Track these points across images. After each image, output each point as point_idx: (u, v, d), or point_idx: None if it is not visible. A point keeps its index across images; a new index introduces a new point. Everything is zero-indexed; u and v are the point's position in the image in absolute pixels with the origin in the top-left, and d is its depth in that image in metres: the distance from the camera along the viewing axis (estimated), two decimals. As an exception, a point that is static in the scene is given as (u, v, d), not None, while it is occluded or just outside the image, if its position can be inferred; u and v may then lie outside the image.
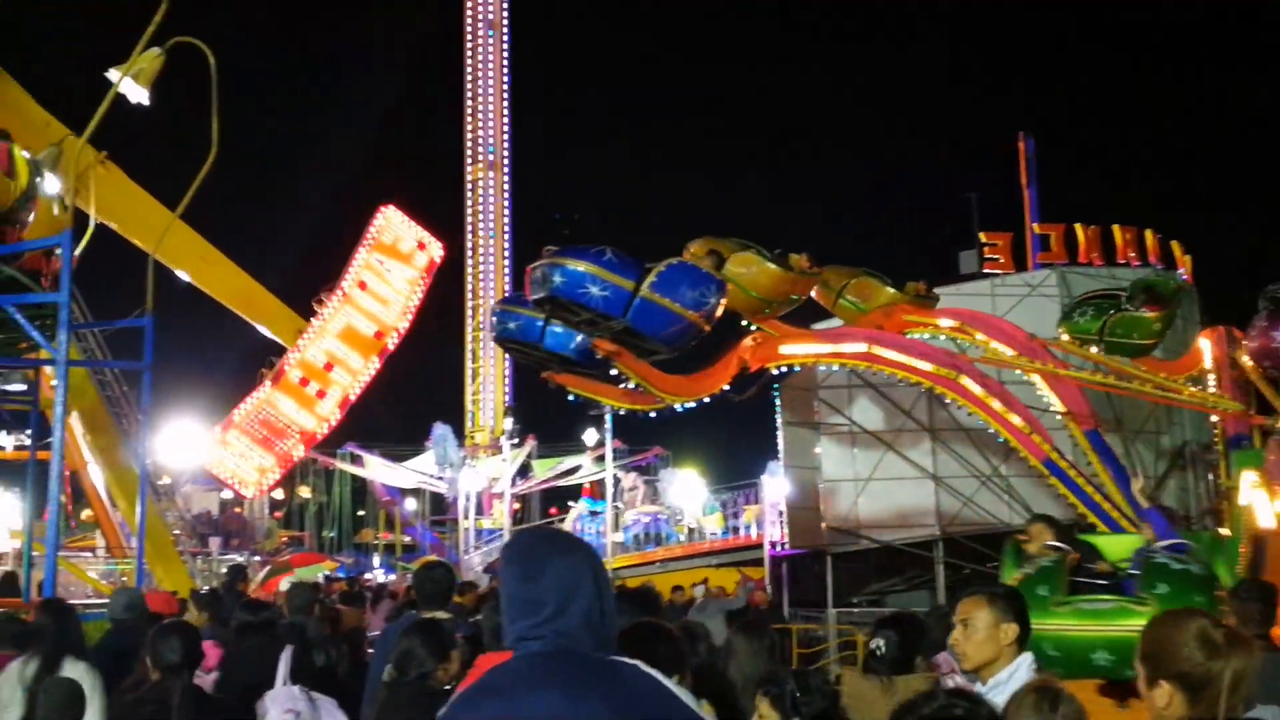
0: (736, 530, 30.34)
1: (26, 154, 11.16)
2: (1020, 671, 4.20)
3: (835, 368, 18.32)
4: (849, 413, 22.31)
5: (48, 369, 16.31)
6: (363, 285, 34.10)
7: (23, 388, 21.99)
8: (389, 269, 35.02)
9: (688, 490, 39.09)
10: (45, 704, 5.57)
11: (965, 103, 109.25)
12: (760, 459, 29.45)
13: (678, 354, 13.03)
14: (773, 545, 24.91)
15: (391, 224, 35.68)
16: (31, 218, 10.81)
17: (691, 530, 35.26)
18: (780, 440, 22.58)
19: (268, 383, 32.93)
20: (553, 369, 13.71)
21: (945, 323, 15.17)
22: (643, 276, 11.84)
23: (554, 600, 2.77)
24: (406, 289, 35.46)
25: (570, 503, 48.28)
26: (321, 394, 33.02)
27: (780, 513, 24.50)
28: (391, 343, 34.42)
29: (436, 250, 37.03)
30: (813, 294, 14.80)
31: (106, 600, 12.94)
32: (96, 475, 29.46)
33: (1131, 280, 16.58)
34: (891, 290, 15.25)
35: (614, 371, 13.24)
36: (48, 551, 10.45)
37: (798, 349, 14.46)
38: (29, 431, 19.18)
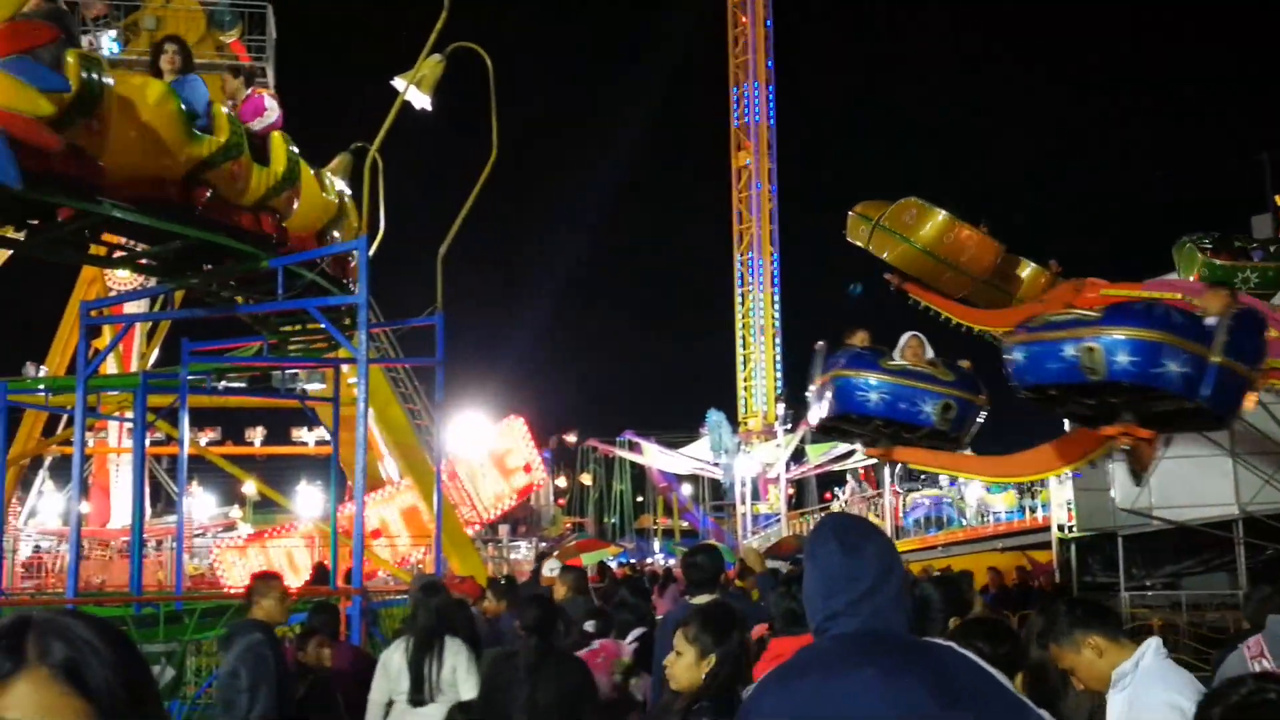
0: (1033, 510, 29.19)
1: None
2: None
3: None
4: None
5: (345, 367, 17.22)
6: (453, 476, 32.12)
7: (322, 386, 23.31)
8: (485, 474, 33.73)
9: (969, 472, 37.97)
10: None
11: (1258, 55, 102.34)
12: (1048, 438, 28.29)
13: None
14: (1060, 528, 23.94)
15: (512, 433, 34.67)
16: (295, 205, 11.20)
17: (977, 513, 34.23)
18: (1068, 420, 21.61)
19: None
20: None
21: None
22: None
23: (871, 577, 2.73)
24: (490, 500, 33.83)
25: (838, 489, 47.76)
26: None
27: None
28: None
29: (539, 475, 35.80)
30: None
31: (405, 587, 13.64)
32: (392, 467, 31.01)
33: None
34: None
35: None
36: (354, 540, 11.01)
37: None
38: (329, 428, 20.27)
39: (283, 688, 6.57)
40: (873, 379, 11.35)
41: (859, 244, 15.27)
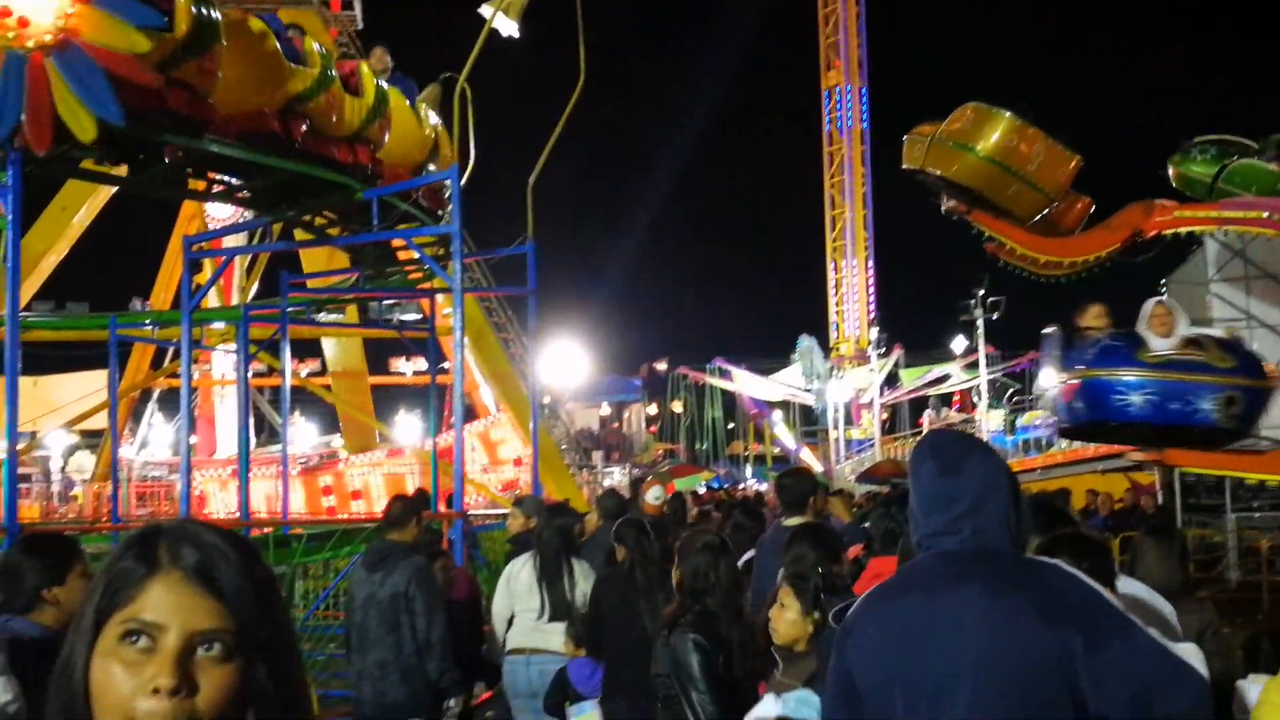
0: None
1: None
2: None
3: (1233, 259, 16.96)
4: (1246, 307, 20.58)
5: (440, 298, 17.41)
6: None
7: (418, 317, 23.61)
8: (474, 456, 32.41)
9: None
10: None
11: None
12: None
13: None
14: (1164, 449, 23.50)
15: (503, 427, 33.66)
16: (386, 137, 11.29)
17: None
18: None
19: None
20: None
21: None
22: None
23: (971, 496, 2.70)
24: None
25: (929, 411, 47.36)
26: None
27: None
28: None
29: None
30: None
31: (502, 511, 13.85)
32: (487, 396, 31.40)
33: None
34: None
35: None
36: (455, 466, 11.23)
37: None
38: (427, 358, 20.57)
39: None
40: (1132, 376, 9.55)
41: (917, 168, 13.62)
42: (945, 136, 13.18)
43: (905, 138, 13.96)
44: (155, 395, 37.82)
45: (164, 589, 1.40)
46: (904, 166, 14.03)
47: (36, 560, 3.78)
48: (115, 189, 21.04)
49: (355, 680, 6.72)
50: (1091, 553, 3.71)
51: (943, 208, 13.26)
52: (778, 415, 53.69)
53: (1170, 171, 13.91)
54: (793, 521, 6.68)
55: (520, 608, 7.06)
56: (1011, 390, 42.01)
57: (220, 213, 26.72)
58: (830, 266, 60.80)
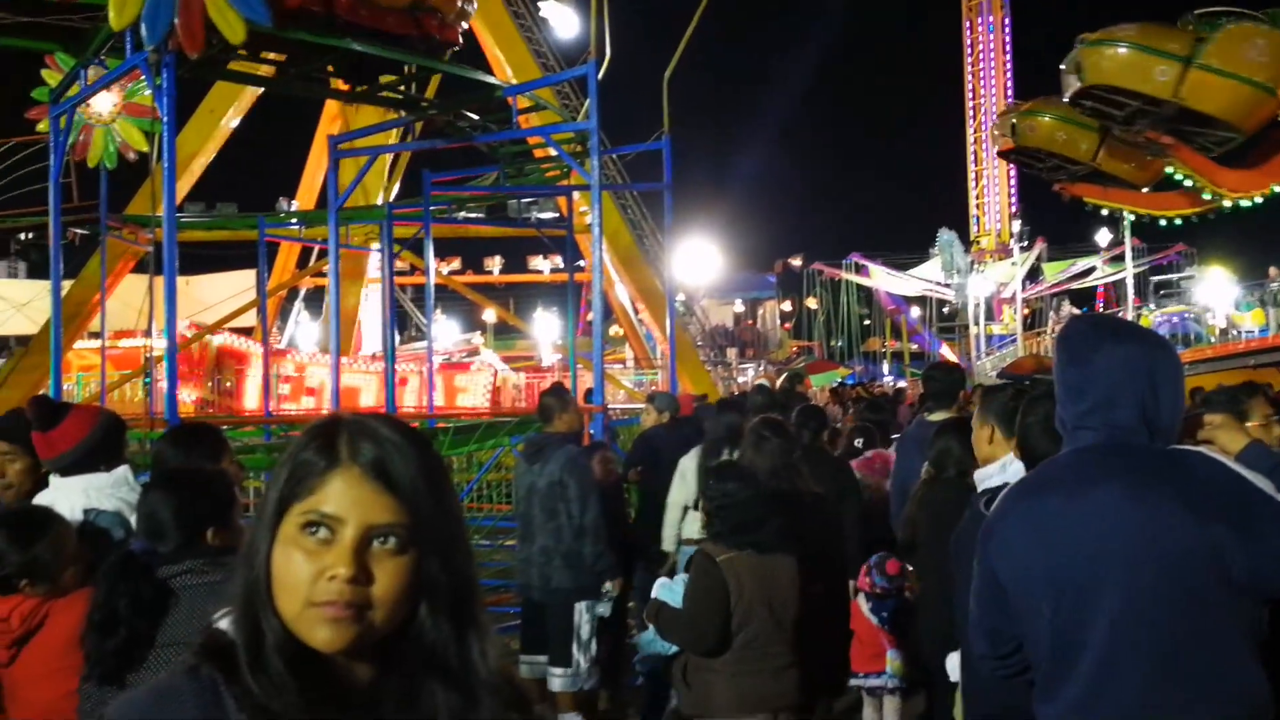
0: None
1: None
2: None
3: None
4: None
5: (576, 196, 17.51)
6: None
7: (554, 216, 23.78)
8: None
9: (1216, 288, 36.24)
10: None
11: None
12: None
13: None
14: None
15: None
16: (473, 6, 11.10)
17: (1224, 330, 32.72)
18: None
19: None
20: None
21: None
22: None
23: (1100, 389, 2.61)
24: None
25: (1050, 313, 46.22)
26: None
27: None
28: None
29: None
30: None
31: (639, 406, 14.02)
32: (623, 293, 31.60)
33: None
34: None
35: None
36: (594, 362, 11.36)
37: None
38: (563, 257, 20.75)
39: None
40: None
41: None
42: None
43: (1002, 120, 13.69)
44: (301, 294, 38.89)
45: (343, 483, 1.45)
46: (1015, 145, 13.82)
47: (185, 450, 3.96)
48: (261, 90, 21.51)
49: (522, 566, 6.95)
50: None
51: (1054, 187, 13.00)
52: (916, 311, 53.03)
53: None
54: (938, 416, 6.65)
55: (692, 497, 7.28)
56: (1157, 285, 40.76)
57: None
58: (970, 158, 59.31)
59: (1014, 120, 18.82)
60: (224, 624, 1.48)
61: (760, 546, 4.66)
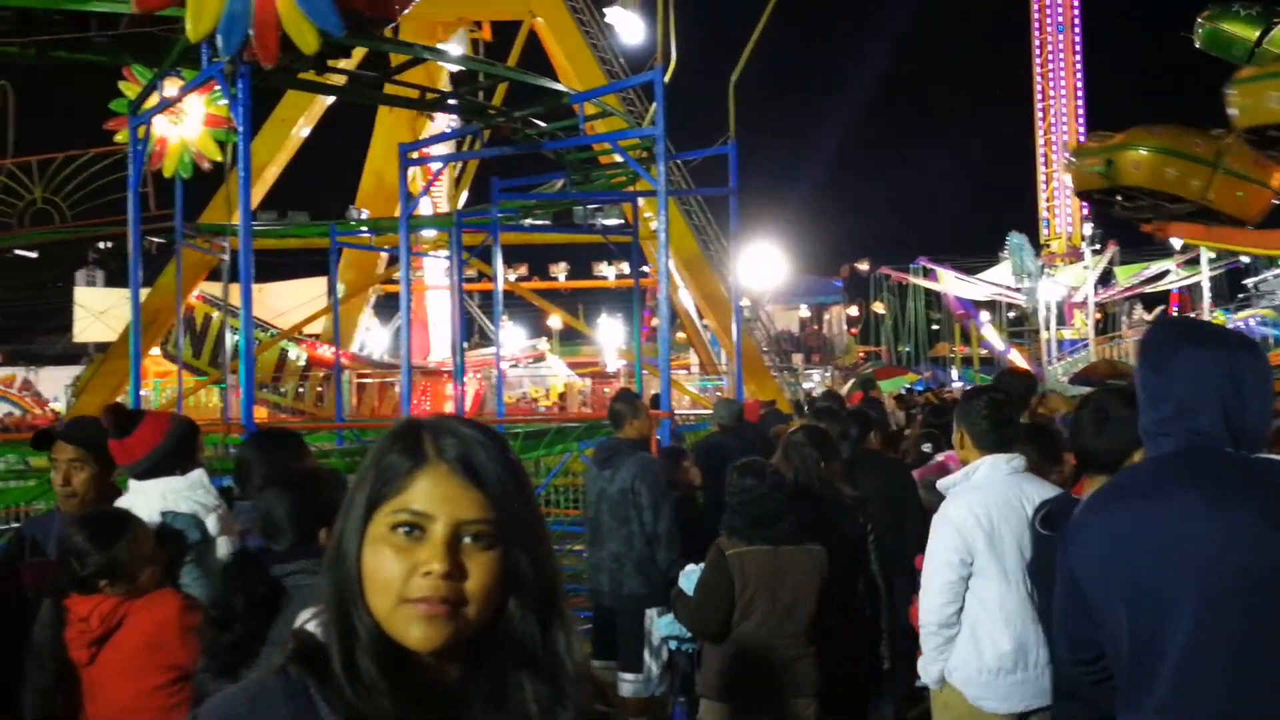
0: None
1: None
2: None
3: None
4: None
5: (641, 201, 17.55)
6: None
7: (619, 222, 23.87)
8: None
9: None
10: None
11: None
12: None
13: None
14: None
15: None
16: None
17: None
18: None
19: None
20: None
21: None
22: None
23: (1180, 394, 2.55)
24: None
25: (1124, 318, 45.50)
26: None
27: None
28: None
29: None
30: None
31: (705, 412, 14.07)
32: (686, 298, 31.61)
33: None
34: None
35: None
36: (661, 368, 11.37)
37: None
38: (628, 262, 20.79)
39: None
40: None
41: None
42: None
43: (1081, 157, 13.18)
44: (371, 300, 39.30)
45: (431, 481, 1.48)
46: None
47: (268, 454, 4.05)
48: (331, 99, 21.78)
49: (592, 571, 6.95)
50: None
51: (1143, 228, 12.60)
52: (985, 315, 52.48)
53: (1198, 32, 12.67)
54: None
55: None
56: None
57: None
58: (1040, 160, 58.58)
59: (1109, 157, 17.03)
60: (312, 625, 1.50)
61: (773, 541, 4.93)
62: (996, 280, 50.03)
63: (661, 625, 6.00)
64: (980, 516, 4.28)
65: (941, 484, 4.56)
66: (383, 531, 1.47)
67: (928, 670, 4.47)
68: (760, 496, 4.97)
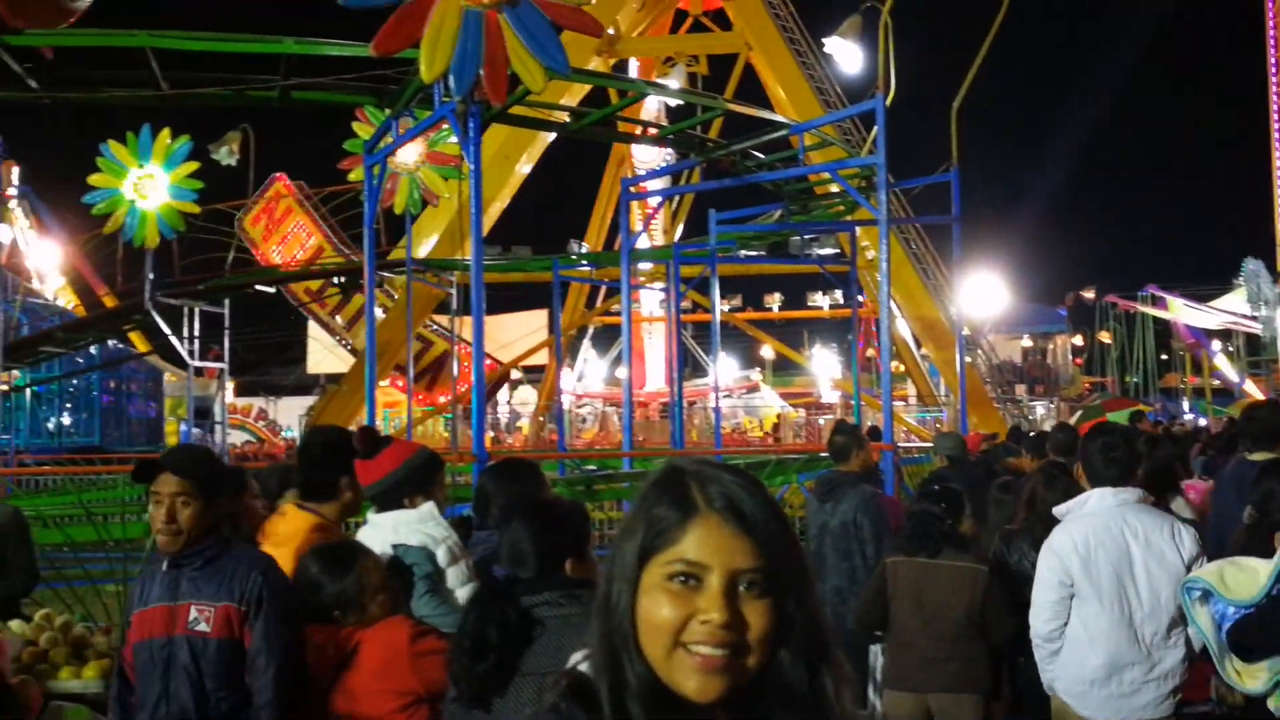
0: None
1: None
2: None
3: None
4: None
5: (858, 231, 17.39)
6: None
7: (834, 251, 23.69)
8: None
9: None
10: None
11: None
12: None
13: None
14: None
15: None
16: None
17: None
18: None
19: None
20: None
21: None
22: None
23: None
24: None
25: None
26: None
27: None
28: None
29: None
30: None
31: (923, 445, 13.79)
32: (904, 328, 31.12)
33: None
34: None
35: None
36: (883, 400, 11.23)
37: None
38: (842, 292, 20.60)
39: None
40: None
41: None
42: None
43: None
44: (589, 332, 40.02)
45: (704, 531, 1.46)
46: None
47: (506, 484, 4.15)
48: (553, 136, 22.34)
49: None
50: None
51: None
52: (1218, 345, 49.99)
53: None
54: (1259, 457, 6.28)
55: None
56: None
57: (646, 155, 27.80)
58: (1276, 184, 55.60)
59: None
60: (583, 666, 1.51)
61: (930, 555, 5.49)
62: (1231, 308, 47.65)
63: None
64: (1078, 543, 4.66)
65: (1058, 510, 4.92)
66: (658, 581, 1.46)
67: (1042, 678, 4.93)
68: (930, 518, 5.53)
